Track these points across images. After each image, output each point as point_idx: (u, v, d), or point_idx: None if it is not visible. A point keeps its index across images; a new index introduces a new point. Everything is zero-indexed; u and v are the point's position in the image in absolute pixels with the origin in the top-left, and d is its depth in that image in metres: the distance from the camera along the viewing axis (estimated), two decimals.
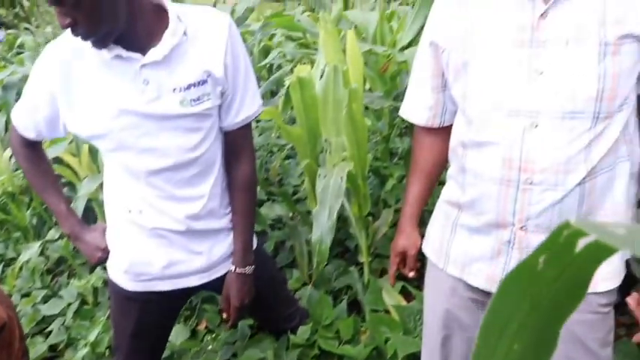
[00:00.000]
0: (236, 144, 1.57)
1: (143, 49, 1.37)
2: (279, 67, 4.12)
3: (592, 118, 1.18)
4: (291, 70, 3.01)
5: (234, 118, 1.52)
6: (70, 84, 1.43)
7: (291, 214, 2.76)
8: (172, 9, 1.40)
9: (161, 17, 1.39)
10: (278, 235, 2.78)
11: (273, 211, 2.74)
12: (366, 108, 2.54)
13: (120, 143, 1.44)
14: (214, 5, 4.72)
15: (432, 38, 1.38)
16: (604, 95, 1.17)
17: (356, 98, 1.86)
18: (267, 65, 4.07)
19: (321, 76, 2.06)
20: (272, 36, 4.49)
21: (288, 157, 3.43)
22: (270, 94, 3.87)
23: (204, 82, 1.42)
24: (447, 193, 1.45)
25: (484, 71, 1.25)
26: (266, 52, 4.39)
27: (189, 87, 1.40)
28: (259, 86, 3.34)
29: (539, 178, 1.21)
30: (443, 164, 1.53)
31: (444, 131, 1.45)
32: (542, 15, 1.18)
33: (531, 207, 1.23)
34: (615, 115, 1.20)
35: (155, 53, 1.37)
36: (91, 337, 2.31)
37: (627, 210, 1.31)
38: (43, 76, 1.46)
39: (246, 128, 1.57)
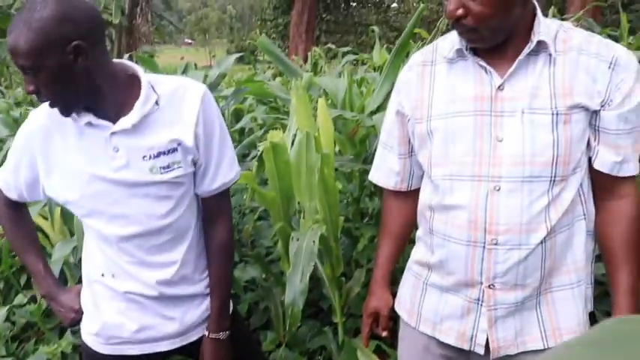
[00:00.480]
0: (212, 210, 1.59)
1: (114, 117, 1.41)
2: (251, 130, 4.20)
3: (549, 182, 1.27)
4: (263, 135, 3.10)
5: (209, 186, 1.53)
6: (49, 149, 1.47)
7: (264, 276, 2.78)
8: (146, 78, 1.44)
9: (134, 86, 1.43)
10: (252, 296, 2.79)
11: (246, 273, 2.76)
12: (337, 170, 2.62)
13: (91, 209, 1.48)
14: (185, 71, 4.83)
15: (397, 107, 1.47)
16: (559, 160, 1.26)
17: (327, 163, 1.94)
18: (239, 129, 4.15)
19: (293, 141, 2.13)
20: (244, 99, 4.59)
21: (260, 218, 3.46)
22: (242, 157, 3.94)
23: (174, 150, 1.44)
24: (417, 254, 1.51)
25: (448, 139, 1.33)
26: (237, 115, 4.48)
27: (158, 155, 1.43)
28: None
29: (504, 239, 1.28)
30: (412, 226, 1.60)
31: (412, 194, 1.53)
32: (499, 87, 1.28)
33: (497, 266, 1.30)
34: (570, 178, 1.30)
35: (125, 122, 1.40)
36: None
37: (587, 265, 1.38)
38: (25, 140, 1.50)
39: (222, 195, 1.58)
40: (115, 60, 1.47)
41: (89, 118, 1.40)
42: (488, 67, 1.30)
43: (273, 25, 22.45)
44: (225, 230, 1.60)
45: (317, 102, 2.28)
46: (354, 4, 22.91)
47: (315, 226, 1.96)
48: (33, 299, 2.98)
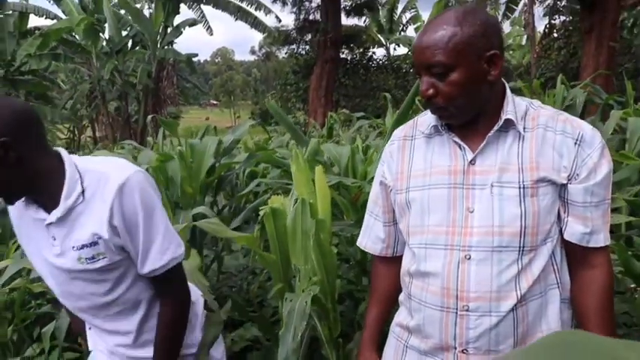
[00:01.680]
0: (155, 288, 1.63)
1: (50, 209, 1.50)
2: (266, 192, 4.34)
3: (518, 251, 1.34)
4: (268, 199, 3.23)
5: (141, 270, 1.56)
6: (21, 227, 1.62)
7: (267, 336, 2.83)
8: (72, 170, 1.48)
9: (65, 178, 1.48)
10: (256, 355, 2.84)
11: (249, 332, 2.82)
12: (339, 234, 2.70)
13: (49, 285, 1.63)
14: (204, 134, 5.01)
15: (381, 178, 1.57)
16: (527, 231, 1.34)
17: (323, 228, 2.03)
18: (252, 191, 4.30)
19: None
20: (258, 163, 4.76)
21: (270, 278, 3.54)
22: (255, 218, 4.06)
23: (95, 243, 1.48)
24: (399, 317, 1.58)
25: (424, 210, 1.43)
26: (253, 177, 4.63)
27: (82, 247, 1.49)
28: (242, 210, 3.55)
29: (475, 305, 1.35)
30: (398, 290, 1.66)
31: (398, 260, 1.60)
32: (471, 161, 1.38)
33: (469, 331, 1.36)
34: (540, 248, 1.37)
35: (53, 215, 1.48)
36: None
37: None
38: (10, 216, 1.64)
39: (161, 278, 1.58)
40: (56, 149, 1.52)
41: (32, 209, 1.51)
42: (461, 143, 1.40)
43: (293, 89, 22.98)
44: (168, 306, 1.63)
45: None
46: (373, 69, 23.40)
47: (312, 287, 2.03)
48: (44, 352, 3.07)
